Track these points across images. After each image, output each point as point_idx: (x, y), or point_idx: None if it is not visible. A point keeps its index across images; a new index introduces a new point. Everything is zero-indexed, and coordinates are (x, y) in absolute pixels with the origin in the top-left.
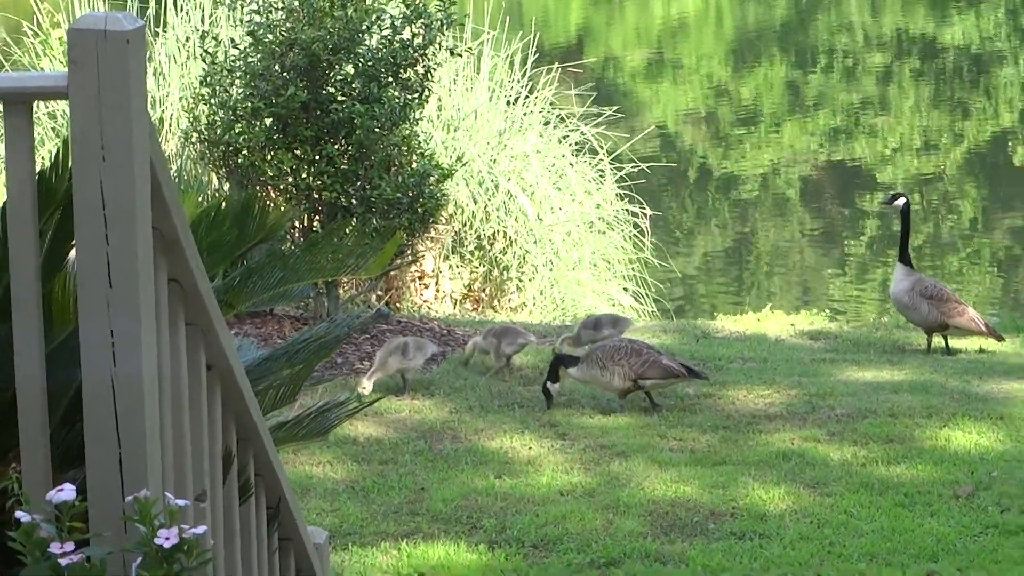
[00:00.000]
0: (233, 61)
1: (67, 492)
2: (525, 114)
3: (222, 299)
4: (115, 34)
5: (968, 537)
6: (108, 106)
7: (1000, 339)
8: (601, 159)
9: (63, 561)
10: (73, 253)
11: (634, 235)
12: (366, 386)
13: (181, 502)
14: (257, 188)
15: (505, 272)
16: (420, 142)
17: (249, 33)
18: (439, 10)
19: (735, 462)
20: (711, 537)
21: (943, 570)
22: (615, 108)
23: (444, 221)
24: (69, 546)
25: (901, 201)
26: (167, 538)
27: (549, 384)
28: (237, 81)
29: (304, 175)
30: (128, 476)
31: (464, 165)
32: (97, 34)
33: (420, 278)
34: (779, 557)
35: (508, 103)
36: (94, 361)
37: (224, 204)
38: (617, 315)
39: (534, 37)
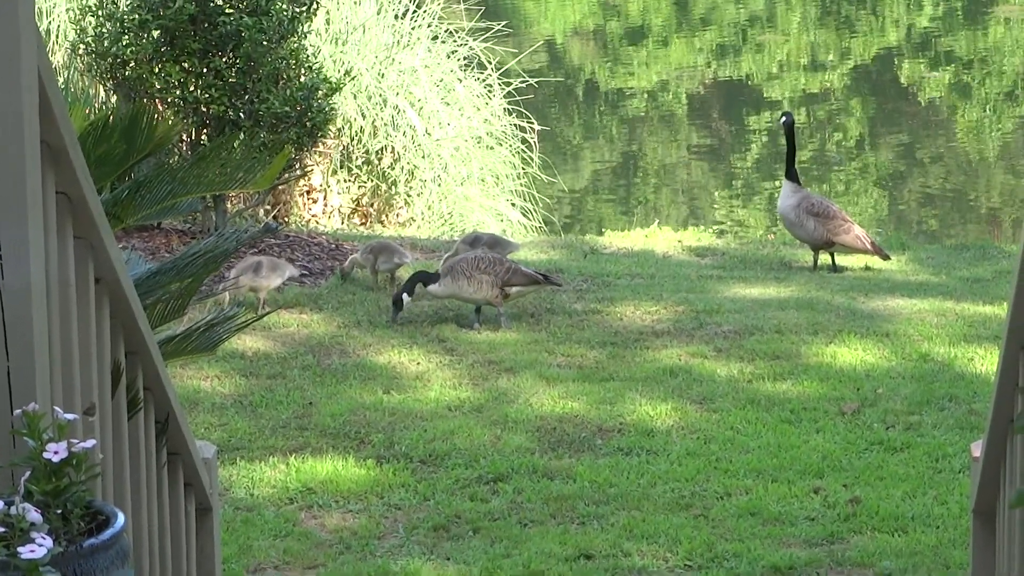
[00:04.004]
0: None
1: None
2: (413, 28)
3: (110, 212)
4: None
5: (853, 454)
6: None
7: (886, 257)
8: (489, 74)
9: None
10: None
11: (522, 150)
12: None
13: (70, 416)
14: (145, 101)
15: (393, 187)
16: (308, 56)
17: None
18: None
19: (622, 378)
20: (598, 453)
21: (829, 486)
22: (503, 23)
23: (332, 136)
24: None
25: (784, 118)
26: (56, 452)
27: (405, 295)
28: None
29: (192, 88)
30: (16, 389)
31: (352, 79)
32: None
33: (308, 192)
34: (666, 473)
35: (396, 17)
36: None
37: (112, 117)
38: (499, 236)
39: None
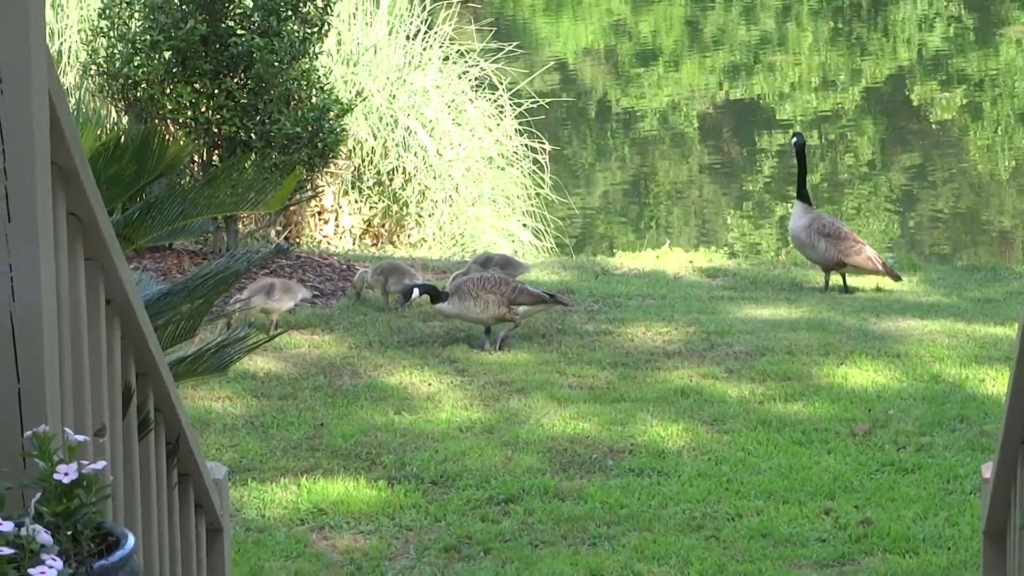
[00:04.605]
0: None
1: None
2: (425, 49)
3: (121, 233)
4: None
5: (865, 475)
6: (6, 37)
7: (897, 279)
8: (500, 95)
9: None
10: None
11: (533, 171)
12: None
13: (80, 437)
14: (156, 122)
15: (404, 208)
16: (319, 76)
17: None
18: None
19: (633, 399)
20: (609, 474)
21: (840, 507)
22: (514, 44)
23: (344, 156)
24: None
25: (795, 139)
26: (66, 473)
27: (416, 290)
28: (136, 14)
29: (203, 109)
30: (27, 411)
31: (364, 100)
32: None
33: (319, 213)
34: (677, 494)
35: (408, 38)
36: None
37: (123, 138)
38: (511, 257)
39: None
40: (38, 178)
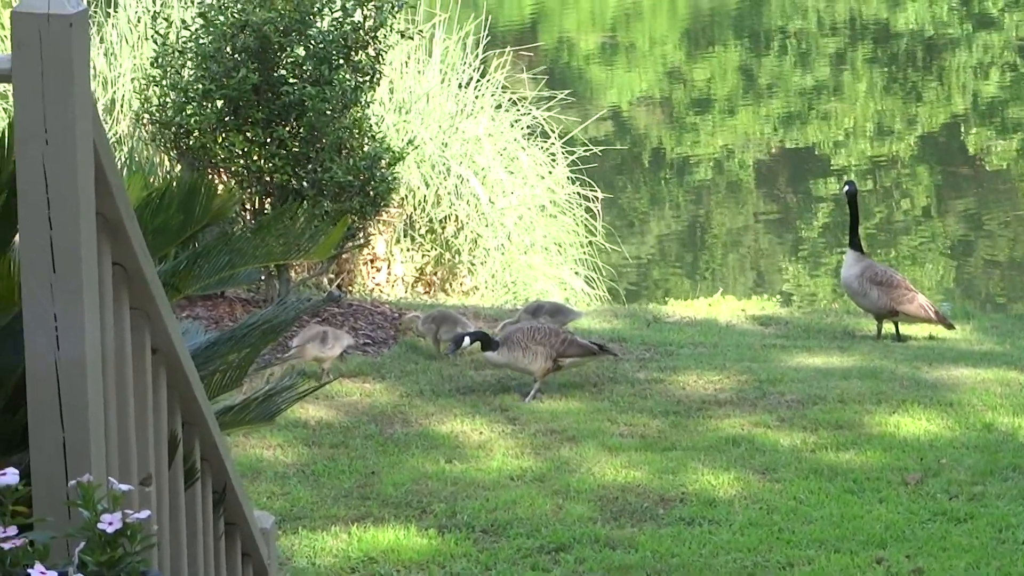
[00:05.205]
0: (184, 42)
1: (10, 476)
2: (477, 97)
3: (169, 282)
4: (58, 17)
5: (917, 524)
6: (51, 90)
7: (950, 327)
8: (553, 143)
9: (6, 545)
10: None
11: (586, 219)
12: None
13: (124, 487)
14: (208, 170)
15: (457, 256)
16: (371, 125)
17: (200, 15)
18: None
19: (685, 447)
20: (660, 522)
21: (892, 557)
22: (568, 92)
23: (396, 204)
24: (12, 530)
25: (847, 187)
26: (110, 523)
27: (467, 339)
28: (188, 63)
29: (255, 157)
30: (72, 460)
31: (416, 148)
32: (40, 17)
33: (372, 261)
34: (728, 543)
35: (460, 86)
36: (38, 345)
37: (171, 187)
38: (562, 304)
39: (486, 20)
40: (83, 229)
